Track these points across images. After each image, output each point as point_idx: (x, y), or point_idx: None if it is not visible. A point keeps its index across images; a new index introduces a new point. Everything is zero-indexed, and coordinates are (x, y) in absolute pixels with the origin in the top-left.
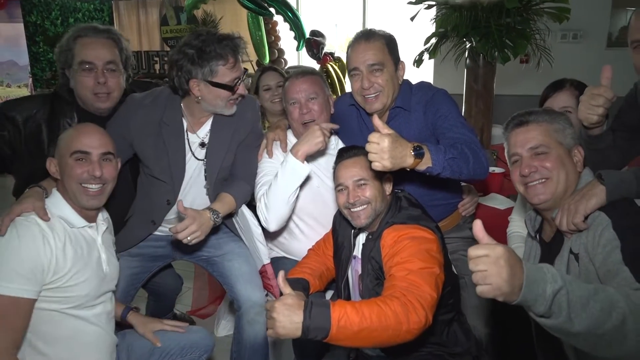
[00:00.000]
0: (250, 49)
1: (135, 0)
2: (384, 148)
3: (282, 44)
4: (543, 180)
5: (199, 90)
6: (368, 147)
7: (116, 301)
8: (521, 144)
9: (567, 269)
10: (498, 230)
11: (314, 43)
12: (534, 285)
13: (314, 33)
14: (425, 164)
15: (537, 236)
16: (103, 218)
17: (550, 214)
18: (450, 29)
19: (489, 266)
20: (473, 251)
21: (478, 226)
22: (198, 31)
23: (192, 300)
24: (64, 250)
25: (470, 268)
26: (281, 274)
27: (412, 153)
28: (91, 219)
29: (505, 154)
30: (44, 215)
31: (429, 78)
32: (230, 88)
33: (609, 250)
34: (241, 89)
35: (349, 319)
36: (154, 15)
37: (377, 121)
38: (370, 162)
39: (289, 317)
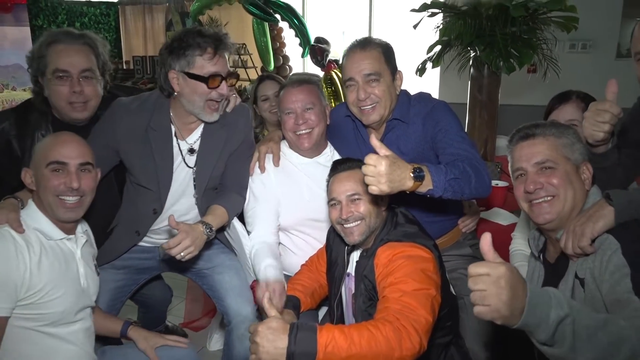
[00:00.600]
0: (255, 55)
1: (141, 5)
2: (382, 171)
3: (288, 51)
4: (549, 198)
5: (178, 84)
6: (364, 169)
7: (112, 316)
8: (526, 158)
9: (572, 294)
10: (500, 247)
11: (318, 50)
12: (536, 309)
13: (319, 40)
14: (425, 187)
15: (541, 256)
16: (82, 230)
17: (555, 234)
18: (454, 38)
19: (488, 286)
20: (473, 268)
21: (486, 240)
22: (187, 28)
23: (185, 312)
24: (39, 264)
25: (469, 286)
26: (266, 296)
27: (412, 175)
28: (69, 230)
29: (509, 168)
30: (19, 227)
31: (435, 87)
32: (204, 80)
33: (617, 277)
34: (222, 88)
35: (337, 344)
36: (159, 20)
37: (374, 141)
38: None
39: (272, 343)
